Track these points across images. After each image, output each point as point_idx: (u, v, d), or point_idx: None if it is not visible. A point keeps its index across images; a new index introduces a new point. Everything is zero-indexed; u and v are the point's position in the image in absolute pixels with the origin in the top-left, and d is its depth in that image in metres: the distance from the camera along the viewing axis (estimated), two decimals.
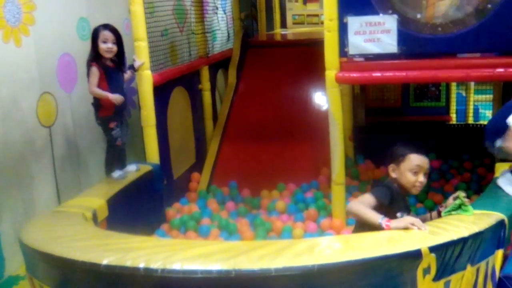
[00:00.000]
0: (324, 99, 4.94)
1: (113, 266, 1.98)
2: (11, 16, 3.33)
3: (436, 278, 2.09)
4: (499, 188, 2.83)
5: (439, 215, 2.53)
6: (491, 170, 3.84)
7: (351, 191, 4.30)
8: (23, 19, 3.44)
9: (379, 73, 3.55)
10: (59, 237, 2.40)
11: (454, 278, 2.16)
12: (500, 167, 3.13)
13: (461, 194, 2.48)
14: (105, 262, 2.00)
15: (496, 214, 2.42)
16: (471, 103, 6.67)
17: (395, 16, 3.42)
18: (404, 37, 3.43)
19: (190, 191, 4.76)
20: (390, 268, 2.00)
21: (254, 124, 5.26)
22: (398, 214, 2.42)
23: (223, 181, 4.80)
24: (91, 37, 3.45)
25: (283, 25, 8.94)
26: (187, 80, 4.89)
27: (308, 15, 9.26)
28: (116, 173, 3.59)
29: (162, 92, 4.26)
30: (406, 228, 2.21)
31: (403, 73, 3.50)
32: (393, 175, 2.48)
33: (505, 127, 2.74)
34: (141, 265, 1.94)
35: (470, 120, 6.55)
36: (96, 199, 3.15)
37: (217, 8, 6.15)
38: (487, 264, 2.34)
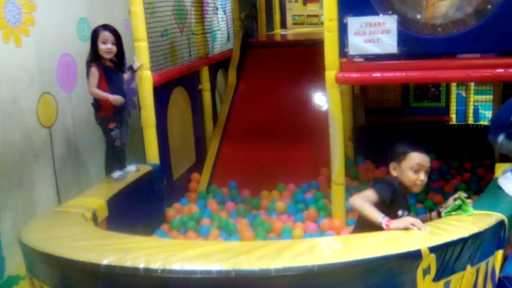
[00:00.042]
0: (324, 99, 4.94)
1: (113, 266, 1.98)
2: (11, 17, 3.33)
3: (436, 278, 2.09)
4: (499, 187, 2.83)
5: (439, 215, 2.53)
6: (491, 170, 3.84)
7: (351, 192, 4.29)
8: (23, 19, 3.45)
9: (379, 74, 3.56)
10: (59, 237, 2.40)
11: (454, 278, 2.16)
12: (500, 168, 3.13)
13: (462, 194, 2.47)
14: (105, 262, 2.00)
15: (496, 214, 2.42)
16: (471, 103, 6.67)
17: (395, 17, 3.42)
18: (404, 37, 3.43)
19: (190, 191, 4.77)
20: (390, 269, 2.00)
21: (254, 125, 5.26)
22: (399, 212, 2.42)
23: (223, 181, 4.80)
24: (91, 38, 3.46)
25: (283, 25, 8.94)
26: (187, 80, 4.89)
27: (308, 16, 9.26)
28: (116, 174, 3.59)
29: (162, 92, 4.26)
30: (406, 229, 2.21)
31: (403, 74, 3.51)
32: (394, 173, 2.49)
33: (508, 122, 2.73)
34: (141, 265, 1.94)
35: (470, 121, 6.55)
36: (96, 199, 3.16)
37: (217, 9, 6.15)
38: (487, 264, 2.34)
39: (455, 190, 4.42)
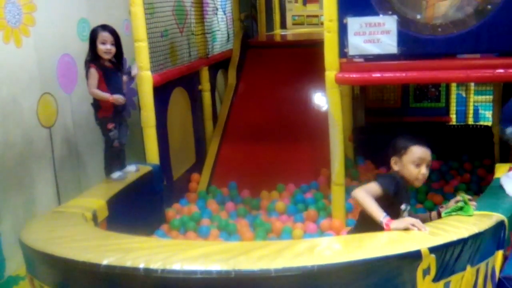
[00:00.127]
0: (324, 99, 4.94)
1: (113, 266, 1.98)
2: (12, 17, 3.33)
3: (436, 279, 2.09)
4: (500, 186, 2.83)
5: (439, 215, 2.53)
6: (491, 171, 3.84)
7: (351, 192, 4.29)
8: (23, 19, 3.45)
9: (379, 74, 3.56)
10: (59, 238, 2.40)
11: (454, 279, 2.16)
12: (500, 168, 3.13)
13: (466, 196, 2.46)
14: (105, 262, 2.00)
15: (496, 215, 2.42)
16: (471, 103, 6.67)
17: (395, 17, 3.42)
18: (404, 37, 3.43)
19: (190, 191, 4.77)
20: (389, 269, 2.00)
21: (253, 125, 5.27)
22: (403, 206, 2.42)
23: (222, 181, 4.80)
24: (89, 38, 3.45)
25: (283, 26, 8.94)
26: (187, 80, 4.90)
27: (308, 16, 9.26)
28: (116, 174, 3.59)
29: (162, 92, 4.26)
30: (406, 229, 2.20)
31: (403, 74, 3.51)
32: (396, 167, 2.48)
33: None
34: (141, 265, 1.94)
35: (470, 121, 6.55)
36: (96, 199, 3.16)
37: (217, 9, 6.15)
38: (487, 265, 2.34)
39: (455, 191, 4.43)
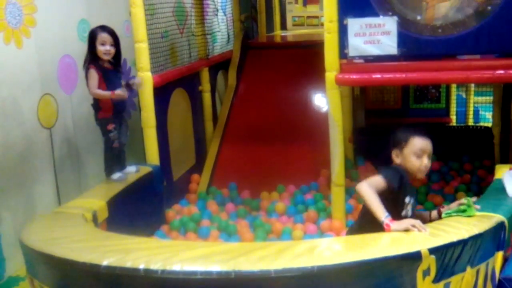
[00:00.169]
0: (324, 100, 4.94)
1: (113, 267, 1.98)
2: (12, 18, 3.34)
3: (436, 279, 2.09)
4: (501, 185, 2.82)
5: (439, 215, 2.53)
6: (491, 172, 3.84)
7: (351, 193, 4.30)
8: (24, 20, 3.45)
9: (379, 75, 3.56)
10: (59, 238, 2.40)
11: (453, 279, 2.16)
12: (500, 169, 3.13)
13: (471, 200, 2.45)
14: (105, 263, 2.00)
15: (496, 216, 2.42)
16: (471, 104, 6.67)
17: (395, 18, 3.42)
18: (404, 38, 3.43)
19: (190, 192, 4.77)
20: (389, 270, 2.00)
21: (254, 126, 5.27)
22: (407, 199, 2.41)
23: (222, 182, 4.80)
24: (88, 39, 3.44)
25: (283, 26, 8.95)
26: (187, 81, 4.90)
27: (308, 17, 9.26)
28: (116, 175, 3.59)
29: (162, 93, 4.26)
30: (406, 230, 2.20)
31: (403, 75, 3.51)
32: (397, 160, 2.46)
33: None
34: (141, 266, 1.94)
35: (470, 122, 6.55)
36: (96, 200, 3.16)
37: (217, 10, 6.16)
38: (487, 266, 2.34)
39: (456, 192, 4.43)
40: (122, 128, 3.62)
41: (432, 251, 2.04)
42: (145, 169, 3.84)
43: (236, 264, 1.92)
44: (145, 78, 3.91)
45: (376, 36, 3.46)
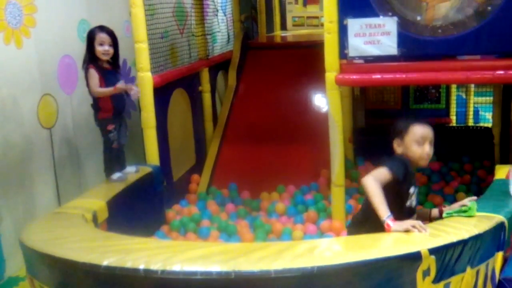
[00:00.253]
0: (324, 101, 4.94)
1: (113, 267, 1.98)
2: (12, 18, 3.34)
3: (436, 280, 2.09)
4: (504, 185, 2.81)
5: (440, 214, 2.53)
6: (491, 172, 3.84)
7: (351, 193, 4.30)
8: (24, 21, 3.45)
9: (379, 75, 3.56)
10: (59, 238, 2.40)
11: (453, 280, 2.16)
12: (500, 169, 3.13)
13: (474, 204, 2.45)
14: (105, 263, 2.00)
15: (496, 216, 2.42)
16: (471, 105, 6.67)
17: (395, 18, 3.42)
18: (404, 39, 3.43)
19: (190, 192, 4.77)
20: (389, 270, 2.00)
21: (254, 126, 5.27)
22: (411, 190, 2.41)
23: (223, 183, 4.80)
24: (87, 39, 3.44)
25: (283, 27, 8.95)
26: (187, 82, 4.90)
27: (308, 17, 9.26)
28: (116, 175, 3.59)
29: (162, 94, 4.26)
30: (407, 231, 2.20)
31: (403, 75, 3.51)
32: (399, 150, 2.45)
33: None
34: (141, 266, 1.94)
35: (470, 122, 6.55)
36: (96, 200, 3.16)
37: (217, 10, 6.16)
38: (487, 266, 2.34)
39: (456, 192, 4.43)
40: (121, 129, 3.62)
41: (432, 251, 2.04)
42: (145, 170, 3.84)
43: (236, 265, 1.92)
44: (145, 78, 3.91)
45: (376, 36, 3.46)
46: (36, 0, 3.57)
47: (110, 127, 3.53)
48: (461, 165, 4.98)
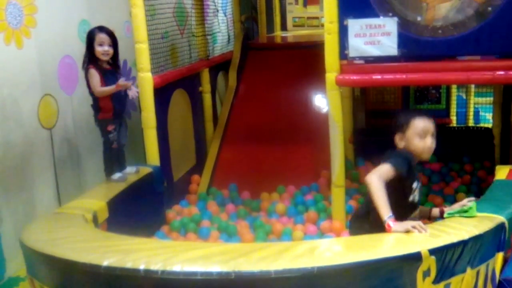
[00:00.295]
0: (324, 101, 4.94)
1: (114, 267, 1.98)
2: (13, 18, 3.34)
3: (436, 280, 2.09)
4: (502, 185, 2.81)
5: (441, 214, 2.53)
6: (492, 172, 3.84)
7: (351, 194, 4.30)
8: (24, 21, 3.45)
9: (379, 76, 3.56)
10: (59, 239, 2.40)
11: (454, 280, 2.16)
12: (501, 170, 3.13)
13: (475, 204, 2.45)
14: (105, 263, 2.00)
15: (497, 217, 2.42)
16: (472, 105, 6.67)
17: (395, 19, 3.43)
18: (404, 39, 3.43)
19: (190, 193, 4.77)
20: (389, 271, 2.00)
21: (254, 127, 5.27)
22: (414, 185, 2.41)
23: (223, 183, 4.80)
24: (87, 40, 3.44)
25: (284, 27, 8.95)
26: (188, 82, 4.90)
27: (309, 18, 9.27)
28: (116, 175, 3.59)
29: (162, 94, 4.26)
30: (407, 231, 2.20)
31: (403, 76, 3.51)
32: (401, 144, 2.45)
33: None
34: (141, 266, 1.95)
35: (471, 123, 6.55)
36: (96, 201, 3.16)
37: (217, 11, 6.16)
38: (487, 267, 2.34)
39: (456, 193, 4.43)
40: (121, 129, 3.62)
41: (432, 251, 2.04)
42: (145, 170, 3.85)
43: (236, 265, 1.92)
44: (145, 79, 3.91)
45: (376, 37, 3.46)
46: (37, 1, 3.58)
47: (110, 127, 3.53)
48: (462, 165, 4.98)
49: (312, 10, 9.29)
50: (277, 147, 4.98)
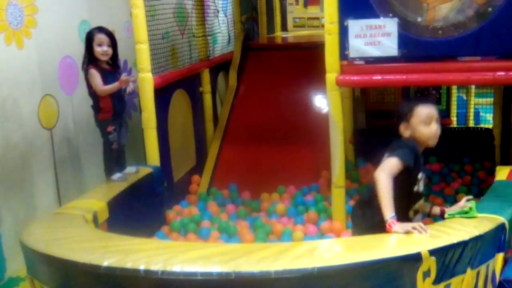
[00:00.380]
0: (324, 101, 4.94)
1: (114, 268, 1.98)
2: (13, 19, 3.34)
3: (436, 281, 2.09)
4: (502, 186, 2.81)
5: (442, 214, 2.54)
6: (492, 173, 3.84)
7: (351, 194, 4.30)
8: (25, 21, 3.46)
9: (380, 76, 3.56)
10: (60, 239, 2.40)
11: (454, 281, 2.16)
12: (501, 170, 3.13)
13: (474, 204, 2.45)
14: (105, 264, 2.00)
15: (497, 217, 2.42)
16: (472, 106, 6.68)
17: (396, 19, 3.43)
18: (404, 40, 3.43)
19: (190, 193, 4.77)
20: (390, 271, 2.00)
21: (254, 127, 5.27)
22: (419, 175, 2.42)
23: (223, 183, 4.80)
24: (86, 40, 3.44)
25: (284, 28, 8.96)
26: (188, 82, 4.90)
27: (309, 18, 9.27)
28: (116, 176, 3.59)
29: (163, 94, 4.26)
30: (407, 232, 2.20)
31: (404, 76, 3.51)
32: (406, 133, 2.45)
33: None
34: (142, 267, 1.94)
35: (471, 123, 6.55)
36: (96, 201, 3.16)
37: (218, 11, 6.16)
38: (487, 267, 2.33)
39: (456, 193, 4.43)
40: (122, 129, 3.62)
41: (432, 252, 2.04)
42: (145, 170, 3.85)
43: (236, 265, 1.92)
44: (145, 79, 3.92)
45: (376, 37, 3.46)
46: (37, 1, 3.58)
47: (110, 128, 3.53)
48: (462, 166, 4.98)
49: (312, 10, 9.29)
50: (277, 147, 4.98)
